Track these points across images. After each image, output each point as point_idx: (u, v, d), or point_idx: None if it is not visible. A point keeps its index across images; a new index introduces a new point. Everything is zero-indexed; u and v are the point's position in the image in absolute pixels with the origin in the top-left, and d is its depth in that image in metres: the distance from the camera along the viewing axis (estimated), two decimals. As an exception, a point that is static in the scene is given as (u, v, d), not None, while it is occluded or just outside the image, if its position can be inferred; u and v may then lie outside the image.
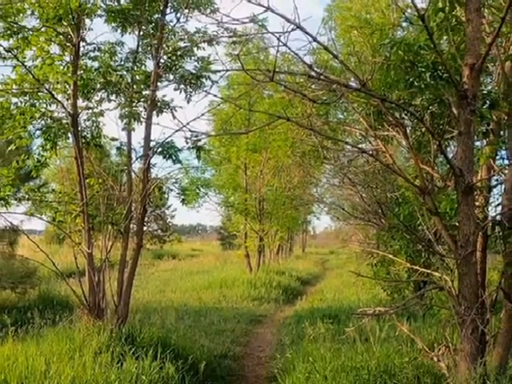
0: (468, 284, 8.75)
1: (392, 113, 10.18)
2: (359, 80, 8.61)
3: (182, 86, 13.62)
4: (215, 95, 16.37)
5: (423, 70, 9.06)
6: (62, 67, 12.48)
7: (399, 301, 18.08)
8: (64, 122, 12.85)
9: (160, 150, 13.17)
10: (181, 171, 13.73)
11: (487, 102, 9.27)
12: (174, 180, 14.05)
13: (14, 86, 12.40)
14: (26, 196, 13.64)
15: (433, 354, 10.07)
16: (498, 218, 9.26)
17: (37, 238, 18.36)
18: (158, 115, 13.55)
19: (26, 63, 12.16)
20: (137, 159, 13.35)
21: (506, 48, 9.56)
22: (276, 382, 11.36)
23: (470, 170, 8.73)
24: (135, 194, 13.04)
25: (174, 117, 13.49)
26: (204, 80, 13.63)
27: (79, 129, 13.04)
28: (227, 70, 11.87)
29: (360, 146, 12.70)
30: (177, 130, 12.63)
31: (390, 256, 15.69)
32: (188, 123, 12.66)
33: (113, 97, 13.53)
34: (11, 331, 12.21)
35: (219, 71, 14.23)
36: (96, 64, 13.28)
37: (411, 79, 9.16)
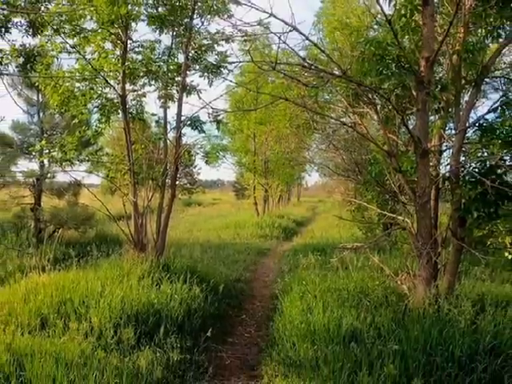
0: (424, 225, 8.92)
1: (366, 94, 10.33)
2: (341, 69, 8.81)
3: (205, 74, 13.64)
4: (231, 81, 16.58)
5: (390, 61, 9.25)
6: (113, 59, 12.63)
7: (371, 238, 18.21)
8: (115, 101, 13.09)
9: (188, 122, 13.32)
10: (204, 139, 13.91)
11: (439, 86, 9.41)
12: (199, 146, 14.33)
13: (77, 74, 12.53)
14: (86, 158, 13.98)
15: (397, 278, 10.27)
16: (447, 174, 9.37)
17: (94, 190, 18.34)
18: (187, 96, 13.62)
19: (86, 56, 12.32)
20: (171, 130, 13.52)
21: (453, 45, 9.60)
22: (277, 300, 11.50)
23: (426, 138, 8.90)
24: (170, 156, 13.25)
25: (200, 97, 13.64)
26: (222, 69, 13.67)
27: (127, 106, 13.13)
28: (240, 62, 12.25)
29: (342, 119, 12.77)
30: (201, 108, 12.92)
31: (365, 204, 15.99)
32: (210, 102, 12.91)
33: (153, 82, 13.69)
34: (75, 261, 12.51)
35: (234, 62, 14.44)
36: (140, 57, 13.43)
37: (381, 68, 9.27)
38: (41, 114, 18.68)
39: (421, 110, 8.71)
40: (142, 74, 13.32)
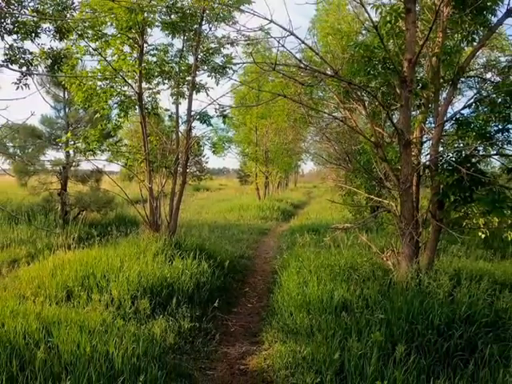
0: (407, 208, 8.91)
1: (355, 92, 10.24)
2: (333, 70, 8.81)
3: (213, 74, 13.57)
4: (235, 80, 16.38)
5: (376, 62, 9.39)
6: (131, 61, 12.57)
7: (360, 220, 18.23)
8: (133, 98, 13.01)
9: (198, 117, 13.26)
10: (212, 131, 13.95)
11: (420, 84, 9.37)
12: (207, 137, 14.48)
13: (99, 74, 12.50)
14: (107, 148, 13.97)
15: (383, 255, 10.28)
16: (427, 163, 9.34)
17: (115, 177, 18.44)
18: (196, 94, 13.55)
19: (107, 58, 12.25)
20: (182, 123, 13.58)
21: (432, 48, 9.59)
22: (276, 274, 11.50)
23: (408, 130, 8.85)
24: (181, 146, 13.20)
25: (207, 94, 13.62)
26: (228, 70, 13.65)
27: (143, 103, 13.10)
28: (243, 63, 12.30)
29: (334, 114, 12.73)
30: (209, 104, 12.94)
31: (354, 189, 16.00)
32: (217, 99, 13.07)
33: (166, 81, 13.70)
34: (97, 240, 12.64)
35: (238, 64, 14.47)
36: (154, 59, 13.37)
37: (368, 69, 9.40)
38: (66, 110, 18.77)
39: (404, 105, 8.67)
40: (156, 73, 13.33)
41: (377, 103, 9.95)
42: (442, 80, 9.87)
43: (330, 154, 23.43)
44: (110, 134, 14.99)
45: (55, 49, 10.74)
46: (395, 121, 9.92)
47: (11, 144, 17.13)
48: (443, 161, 9.10)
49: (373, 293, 8.33)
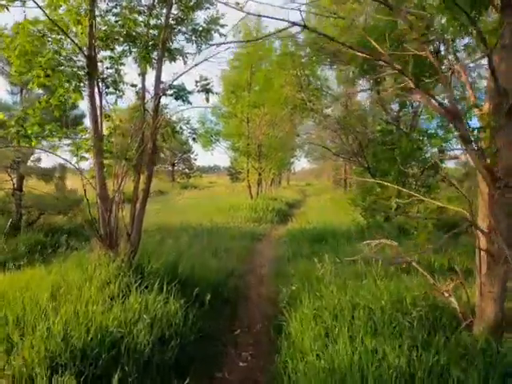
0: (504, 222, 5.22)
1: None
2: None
3: (193, 37, 10.40)
4: (225, 43, 12.28)
5: None
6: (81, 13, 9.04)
7: (374, 225, 14.96)
8: (80, 63, 9.24)
9: (172, 92, 9.80)
10: (192, 116, 10.42)
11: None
12: (185, 121, 10.41)
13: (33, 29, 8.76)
14: (50, 134, 9.91)
15: (443, 288, 6.57)
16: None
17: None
18: (170, 62, 10.22)
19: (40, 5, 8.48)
20: (150, 99, 9.69)
21: None
22: (278, 303, 8.05)
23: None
24: (146, 129, 9.41)
25: (185, 62, 10.18)
26: (213, 33, 10.46)
27: (98, 72, 9.54)
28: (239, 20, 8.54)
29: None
30: (186, 71, 9.44)
31: (384, 183, 12.22)
32: (196, 65, 9.38)
33: (134, 50, 10.00)
34: (49, 253, 10.78)
35: (226, 26, 10.73)
36: (115, 18, 9.76)
37: None
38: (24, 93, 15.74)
39: (508, 46, 5.02)
40: (118, 37, 9.65)
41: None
42: None
43: (334, 147, 21.08)
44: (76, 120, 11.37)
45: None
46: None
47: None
48: None
49: (445, 359, 4.93)
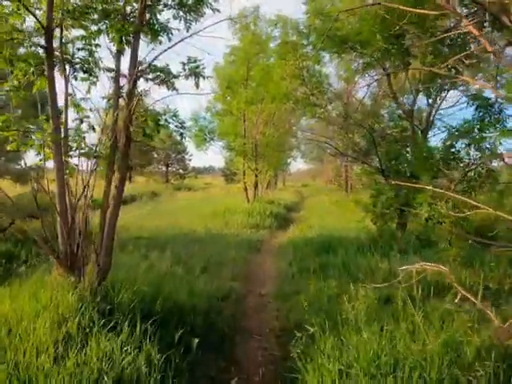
0: None
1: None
2: None
3: (181, 13, 8.50)
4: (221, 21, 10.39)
5: None
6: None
7: (387, 233, 13.31)
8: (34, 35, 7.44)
9: (153, 76, 7.99)
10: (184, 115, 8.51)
11: None
12: (172, 112, 8.41)
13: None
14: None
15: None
16: None
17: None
18: (152, 41, 8.33)
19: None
20: (126, 83, 7.78)
21: None
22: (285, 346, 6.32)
23: None
24: (120, 120, 7.51)
25: (170, 39, 8.29)
26: (206, 7, 8.51)
27: (67, 54, 7.97)
28: None
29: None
30: (169, 47, 7.83)
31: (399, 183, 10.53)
32: (182, 40, 7.61)
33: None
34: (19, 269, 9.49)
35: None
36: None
37: None
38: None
39: None
40: (91, 11, 7.81)
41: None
42: None
43: (338, 146, 19.83)
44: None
45: None
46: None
47: None
48: None
49: None
